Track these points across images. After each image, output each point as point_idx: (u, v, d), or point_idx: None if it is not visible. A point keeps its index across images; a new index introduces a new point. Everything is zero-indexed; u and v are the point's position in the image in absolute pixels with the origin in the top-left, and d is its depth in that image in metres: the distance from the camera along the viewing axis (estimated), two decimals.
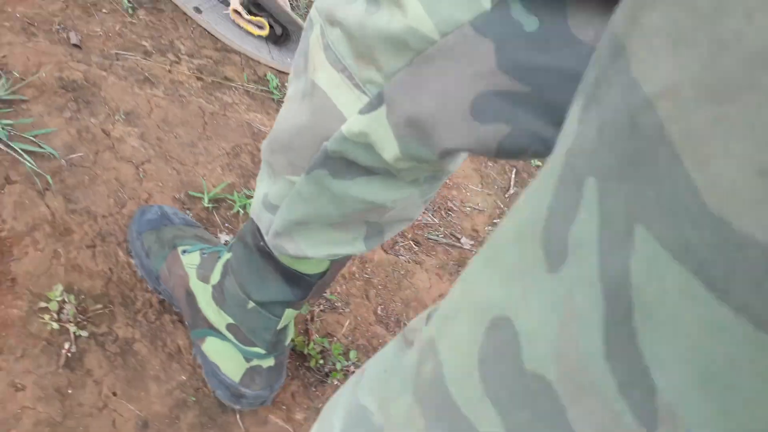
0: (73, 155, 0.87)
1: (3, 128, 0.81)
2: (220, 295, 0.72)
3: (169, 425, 0.74)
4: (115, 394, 0.73)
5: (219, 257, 0.75)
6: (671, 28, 0.13)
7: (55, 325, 0.73)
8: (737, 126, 0.11)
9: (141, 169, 0.91)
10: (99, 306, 0.78)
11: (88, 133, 0.90)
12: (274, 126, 0.52)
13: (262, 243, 0.62)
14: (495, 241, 0.22)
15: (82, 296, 0.77)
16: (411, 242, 1.10)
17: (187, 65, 1.09)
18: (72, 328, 0.74)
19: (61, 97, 0.91)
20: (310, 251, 0.56)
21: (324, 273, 0.66)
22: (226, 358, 0.73)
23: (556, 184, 0.18)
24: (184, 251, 0.78)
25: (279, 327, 0.70)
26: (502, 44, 0.35)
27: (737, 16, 0.11)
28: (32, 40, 0.94)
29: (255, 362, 0.73)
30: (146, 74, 1.04)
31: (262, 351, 0.72)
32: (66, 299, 0.75)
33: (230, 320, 0.72)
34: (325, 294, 0.93)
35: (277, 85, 1.18)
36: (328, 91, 0.43)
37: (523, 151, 0.39)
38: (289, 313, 0.69)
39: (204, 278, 0.74)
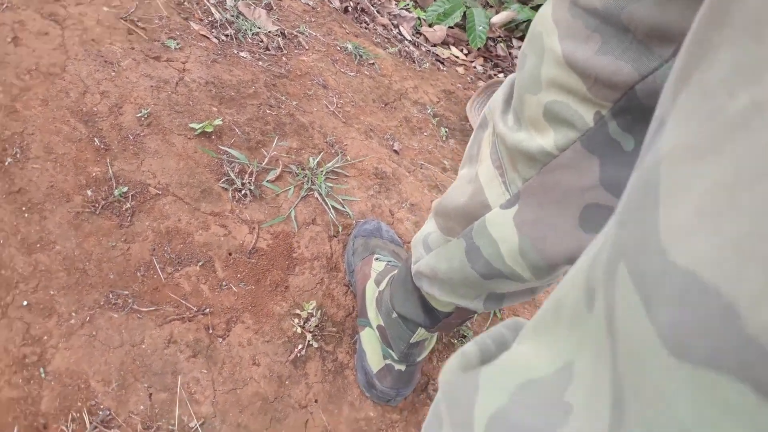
0: (362, 220, 1.08)
1: (326, 187, 1.08)
2: (380, 299, 0.84)
3: None
4: (316, 401, 0.82)
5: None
6: (688, 106, 0.15)
7: (299, 330, 0.88)
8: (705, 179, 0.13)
9: (407, 248, 1.07)
10: (334, 329, 0.91)
11: (379, 209, 1.12)
12: (445, 194, 0.61)
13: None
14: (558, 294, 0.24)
15: (326, 317, 0.91)
16: None
17: None
18: (309, 336, 0.87)
19: (371, 180, 1.17)
20: (437, 293, 0.64)
21: (450, 314, 0.71)
22: (372, 350, 0.84)
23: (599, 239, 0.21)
24: (377, 258, 0.93)
25: (412, 340, 0.78)
26: (604, 162, 0.40)
27: (723, 97, 0.13)
28: (368, 140, 1.25)
29: (389, 361, 0.82)
30: (437, 183, 1.24)
31: (395, 355, 0.81)
32: (314, 314, 0.90)
33: (380, 322, 0.83)
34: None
35: None
36: (483, 183, 0.51)
37: None
38: (422, 332, 0.76)
39: (378, 282, 0.87)
